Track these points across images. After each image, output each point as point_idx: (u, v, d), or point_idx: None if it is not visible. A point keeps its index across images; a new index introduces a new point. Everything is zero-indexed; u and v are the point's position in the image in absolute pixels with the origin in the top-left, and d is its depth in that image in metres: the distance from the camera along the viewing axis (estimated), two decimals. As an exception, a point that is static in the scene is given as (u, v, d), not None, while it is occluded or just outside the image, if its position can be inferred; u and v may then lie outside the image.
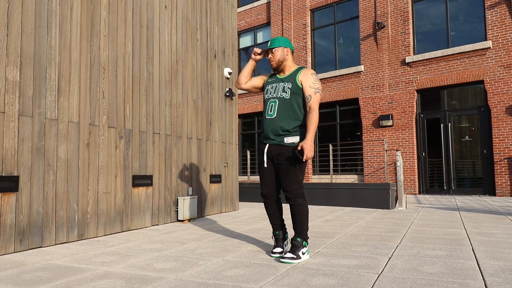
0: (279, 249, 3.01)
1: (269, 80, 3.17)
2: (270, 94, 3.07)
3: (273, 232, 3.13)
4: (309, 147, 2.77)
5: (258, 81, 3.26)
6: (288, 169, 2.91)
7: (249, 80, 3.26)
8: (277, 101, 2.99)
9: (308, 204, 8.03)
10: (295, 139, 2.92)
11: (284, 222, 3.11)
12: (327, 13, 12.98)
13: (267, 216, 5.87)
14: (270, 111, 3.01)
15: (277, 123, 2.95)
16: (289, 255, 2.82)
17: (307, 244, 2.95)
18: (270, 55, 3.11)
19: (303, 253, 2.88)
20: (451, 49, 10.30)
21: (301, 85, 2.98)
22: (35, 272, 2.65)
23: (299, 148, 2.79)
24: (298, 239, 2.90)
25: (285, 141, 2.94)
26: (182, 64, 5.67)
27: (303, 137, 2.94)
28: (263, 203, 8.37)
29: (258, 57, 3.20)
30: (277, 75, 3.15)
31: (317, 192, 7.95)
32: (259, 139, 3.11)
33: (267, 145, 3.03)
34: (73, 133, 3.95)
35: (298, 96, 2.97)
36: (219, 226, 4.86)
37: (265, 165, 3.03)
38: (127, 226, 4.54)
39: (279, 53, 3.09)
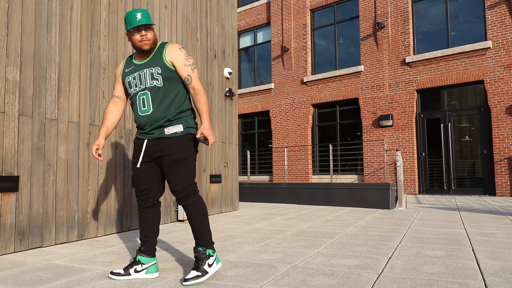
0: (120, 270, 2.45)
1: (126, 70, 2.53)
2: (136, 86, 2.47)
3: (139, 248, 2.51)
4: (210, 131, 2.36)
5: (120, 84, 2.64)
6: (174, 164, 2.39)
7: (117, 103, 2.64)
8: (149, 93, 2.42)
9: (308, 204, 8.03)
10: (177, 128, 2.41)
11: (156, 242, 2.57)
12: (327, 13, 12.98)
13: (267, 216, 5.86)
14: (144, 107, 2.44)
15: (156, 117, 2.42)
16: (193, 273, 2.29)
17: (213, 251, 2.42)
18: (143, 33, 2.40)
19: (209, 265, 2.36)
20: (451, 49, 10.30)
21: (173, 66, 2.44)
22: (35, 272, 2.65)
23: (198, 136, 2.38)
24: (200, 248, 2.39)
25: (166, 133, 2.41)
26: (182, 64, 5.66)
27: (187, 124, 2.45)
28: (262, 203, 8.37)
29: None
30: (134, 61, 2.54)
31: (317, 192, 7.95)
32: (136, 135, 2.57)
33: (146, 140, 2.48)
34: (73, 133, 3.95)
35: (174, 81, 2.45)
36: (219, 226, 4.86)
37: (138, 165, 2.49)
38: (127, 226, 4.54)
39: (153, 33, 2.44)
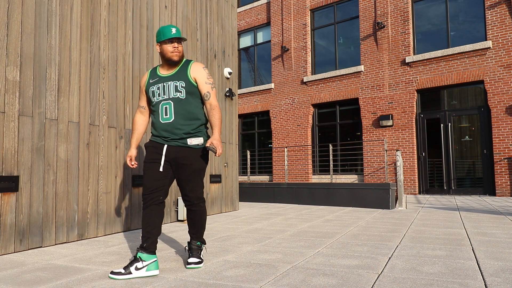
0: (120, 270, 2.49)
1: (151, 81, 2.77)
2: (159, 96, 2.69)
3: (141, 245, 2.57)
4: (220, 143, 2.60)
5: (145, 94, 2.85)
6: (193, 173, 2.68)
7: (143, 113, 2.87)
8: (172, 103, 2.66)
9: (308, 204, 8.04)
10: (199, 140, 2.69)
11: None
12: (327, 13, 12.98)
13: (267, 216, 5.86)
14: (166, 115, 2.67)
15: (176, 125, 2.66)
16: (195, 259, 2.70)
17: (204, 244, 2.88)
18: (176, 45, 2.69)
19: (202, 256, 2.94)
20: (451, 49, 10.30)
21: (195, 82, 2.72)
22: (35, 272, 2.65)
23: (208, 144, 2.59)
24: (198, 243, 2.80)
25: (188, 143, 2.67)
26: (182, 64, 5.67)
27: (205, 138, 2.74)
28: (262, 203, 8.37)
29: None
30: (159, 73, 2.77)
31: (317, 192, 7.95)
32: (151, 138, 2.76)
33: (165, 145, 2.68)
34: (73, 133, 3.95)
35: (194, 95, 2.72)
36: (219, 226, 4.86)
37: (161, 169, 2.66)
38: (127, 226, 4.54)
39: (182, 47, 2.74)
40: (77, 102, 4.02)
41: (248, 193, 9.01)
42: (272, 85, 13.74)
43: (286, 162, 10.00)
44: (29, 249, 3.47)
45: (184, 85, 2.68)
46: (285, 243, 3.60)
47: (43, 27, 3.72)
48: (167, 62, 2.71)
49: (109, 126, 4.38)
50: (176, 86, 2.68)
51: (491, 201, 8.01)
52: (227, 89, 6.83)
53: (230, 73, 6.86)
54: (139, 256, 2.52)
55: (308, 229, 4.50)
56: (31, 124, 3.56)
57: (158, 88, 2.71)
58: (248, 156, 11.56)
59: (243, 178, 14.36)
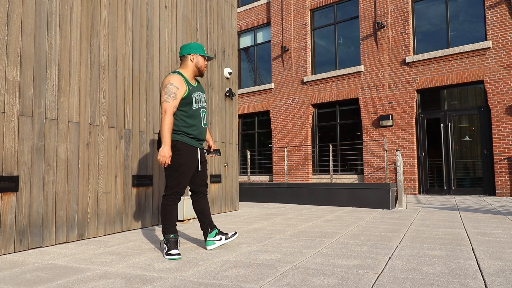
0: (177, 251, 3.02)
1: (190, 88, 3.13)
2: (198, 103, 3.16)
3: (170, 235, 3.08)
4: None
5: (180, 98, 3.06)
6: (205, 167, 3.35)
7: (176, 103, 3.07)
8: (206, 111, 3.28)
9: (308, 204, 8.04)
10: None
11: None
12: (327, 13, 12.98)
13: (267, 216, 5.87)
14: (205, 121, 3.24)
15: (206, 130, 3.29)
16: (231, 233, 3.33)
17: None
18: (206, 63, 3.28)
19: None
20: (451, 49, 10.30)
21: None
22: (35, 272, 2.65)
23: (214, 148, 3.50)
24: (216, 230, 3.32)
25: (204, 145, 3.36)
26: (182, 64, 5.66)
27: None
28: (262, 203, 8.37)
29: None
30: (190, 82, 3.17)
31: (317, 192, 7.95)
32: (189, 143, 3.11)
33: (198, 149, 3.20)
34: (73, 133, 3.95)
35: None
36: (219, 226, 4.86)
37: (200, 168, 3.26)
38: (127, 226, 4.54)
39: None
40: (77, 102, 4.02)
41: (248, 193, 9.02)
42: (272, 85, 13.75)
43: (286, 162, 10.00)
44: (29, 249, 3.47)
45: (206, 98, 3.43)
46: (285, 243, 3.60)
47: (43, 27, 3.72)
48: (198, 73, 3.21)
49: (109, 126, 4.38)
50: (205, 98, 3.26)
51: (491, 201, 8.01)
52: (227, 89, 6.83)
53: (230, 73, 6.86)
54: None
55: (308, 229, 4.50)
56: (31, 124, 3.56)
57: (198, 96, 3.16)
58: (248, 156, 11.56)
59: (243, 178, 14.36)
